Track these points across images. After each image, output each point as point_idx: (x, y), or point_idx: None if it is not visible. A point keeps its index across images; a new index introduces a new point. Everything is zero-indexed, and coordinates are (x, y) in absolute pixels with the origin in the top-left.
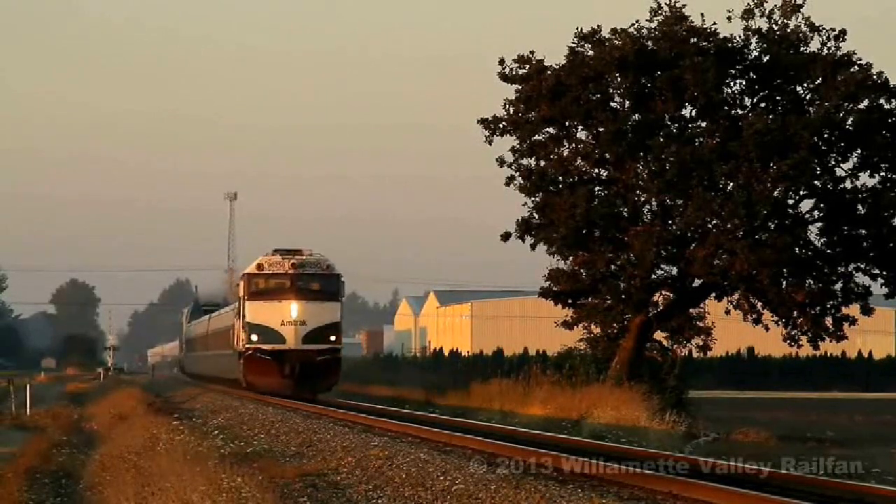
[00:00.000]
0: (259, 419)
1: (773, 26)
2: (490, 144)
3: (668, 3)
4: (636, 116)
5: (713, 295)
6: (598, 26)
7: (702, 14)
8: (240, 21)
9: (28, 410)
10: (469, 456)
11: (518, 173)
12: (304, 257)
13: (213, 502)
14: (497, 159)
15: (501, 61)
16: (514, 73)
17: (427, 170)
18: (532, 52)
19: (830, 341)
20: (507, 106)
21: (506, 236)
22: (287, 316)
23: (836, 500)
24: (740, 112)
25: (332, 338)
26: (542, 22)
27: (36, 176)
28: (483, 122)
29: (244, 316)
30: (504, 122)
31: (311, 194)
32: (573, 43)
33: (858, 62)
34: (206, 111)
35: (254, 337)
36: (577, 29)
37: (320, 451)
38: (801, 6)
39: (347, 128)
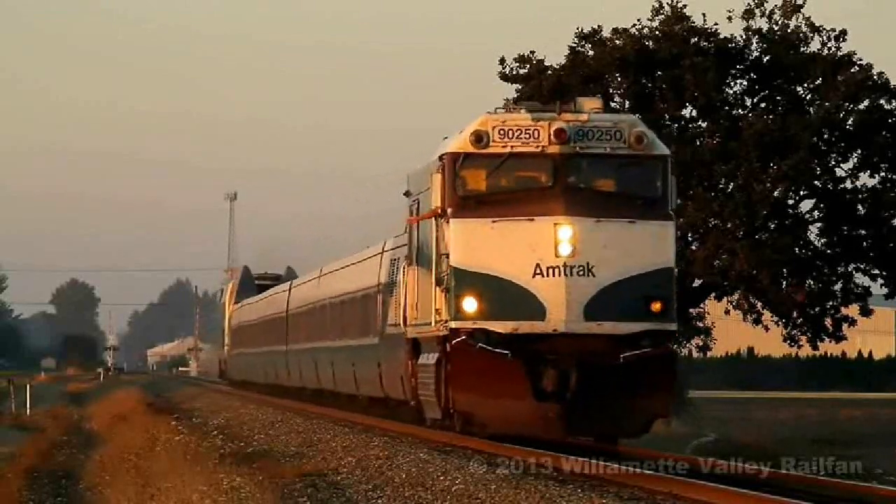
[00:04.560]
0: (259, 419)
1: (774, 26)
2: None
3: (669, 2)
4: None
5: (713, 295)
6: (599, 26)
7: (703, 14)
8: (240, 21)
9: (28, 410)
10: (469, 456)
11: None
12: (583, 117)
13: (213, 502)
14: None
15: (502, 61)
16: (514, 72)
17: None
18: (532, 52)
19: (830, 341)
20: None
21: None
22: (549, 254)
23: (836, 500)
24: (741, 112)
25: (657, 306)
26: (542, 22)
27: (36, 176)
28: None
29: (441, 255)
30: None
31: (311, 194)
32: (573, 43)
33: (859, 62)
34: (206, 111)
35: (468, 304)
36: (578, 29)
37: (320, 451)
38: (801, 6)
39: (347, 128)
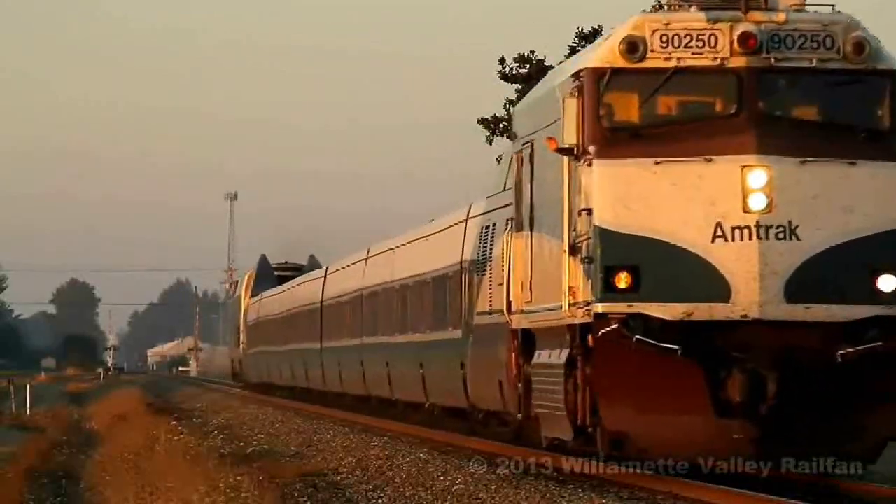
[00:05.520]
0: (259, 419)
1: None
2: (490, 144)
3: (668, 2)
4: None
5: None
6: (599, 26)
7: None
8: (241, 20)
9: (28, 410)
10: (469, 456)
11: None
12: (779, 17)
13: (213, 502)
14: (497, 159)
15: (502, 61)
16: (514, 72)
17: (427, 169)
18: (532, 52)
19: None
20: (508, 106)
21: None
22: (735, 209)
23: (835, 499)
24: None
25: (890, 282)
26: (542, 22)
27: (36, 175)
28: (483, 122)
29: (578, 213)
30: (504, 122)
31: (311, 194)
32: (574, 42)
33: None
34: (206, 111)
35: (620, 280)
36: (578, 28)
37: (320, 451)
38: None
39: (347, 127)
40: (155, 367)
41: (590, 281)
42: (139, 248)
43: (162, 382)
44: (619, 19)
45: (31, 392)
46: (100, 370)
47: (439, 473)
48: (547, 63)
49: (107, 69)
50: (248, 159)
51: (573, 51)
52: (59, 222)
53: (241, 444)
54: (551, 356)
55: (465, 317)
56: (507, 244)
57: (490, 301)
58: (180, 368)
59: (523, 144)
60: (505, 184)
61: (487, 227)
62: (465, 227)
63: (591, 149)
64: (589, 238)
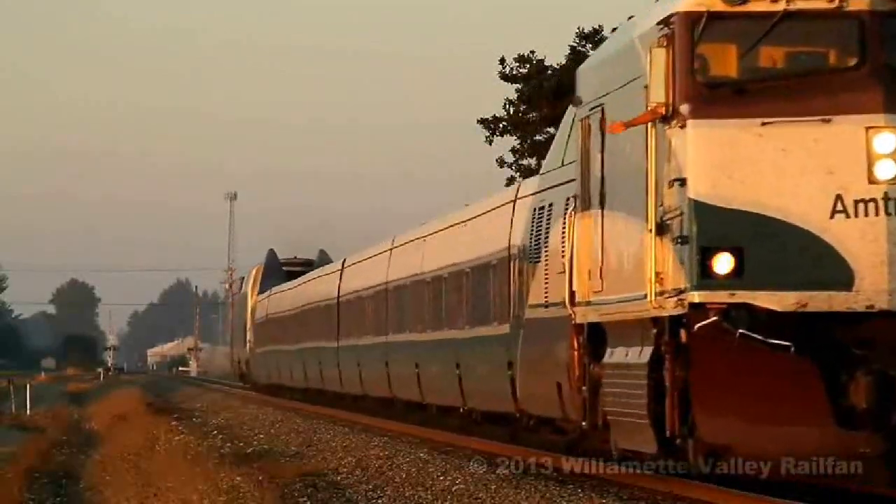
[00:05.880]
0: (259, 419)
1: None
2: (490, 144)
3: None
4: None
5: None
6: (600, 26)
7: None
8: (241, 20)
9: (28, 410)
10: (469, 456)
11: (518, 173)
12: None
13: (213, 502)
14: (497, 159)
15: (502, 61)
16: (514, 72)
17: (427, 169)
18: (532, 52)
19: None
20: (508, 106)
21: None
22: (858, 179)
23: (835, 500)
24: None
25: None
26: (543, 22)
27: (36, 175)
28: (483, 122)
29: (667, 184)
30: (504, 122)
31: (311, 194)
32: (574, 42)
33: None
34: (206, 111)
35: (722, 264)
36: (579, 28)
37: (320, 451)
38: None
39: (347, 127)
40: (155, 367)
41: (683, 265)
42: (139, 248)
43: (162, 382)
44: (620, 19)
45: (30, 392)
46: (100, 370)
47: (439, 473)
48: (547, 63)
49: (107, 69)
50: (248, 159)
51: (573, 51)
52: (59, 222)
53: (241, 444)
54: (629, 354)
55: (513, 310)
56: (570, 226)
57: (546, 292)
58: (180, 368)
59: (591, 110)
60: (563, 158)
61: (542, 207)
62: (514, 209)
63: (685, 108)
64: (681, 214)
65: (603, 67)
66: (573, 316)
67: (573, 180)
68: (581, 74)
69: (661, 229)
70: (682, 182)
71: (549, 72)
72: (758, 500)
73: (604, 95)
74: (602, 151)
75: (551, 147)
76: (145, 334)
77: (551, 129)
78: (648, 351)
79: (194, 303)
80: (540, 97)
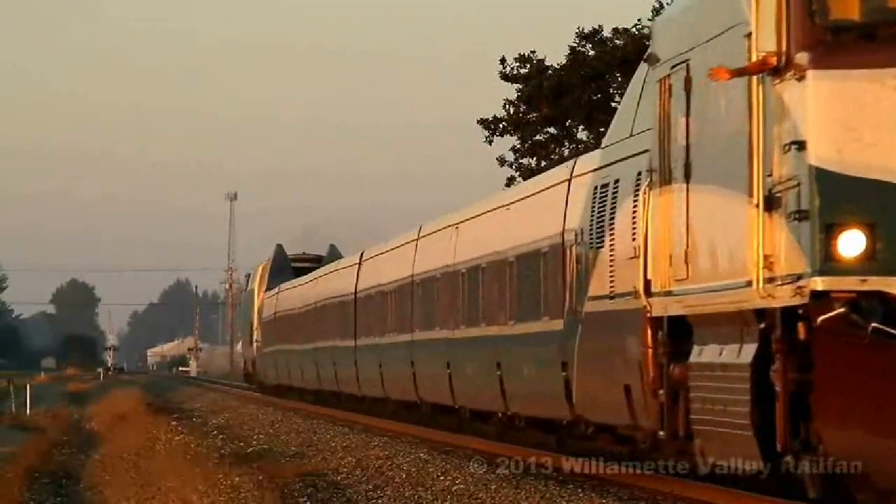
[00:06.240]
0: (259, 419)
1: None
2: (490, 144)
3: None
4: None
5: None
6: (600, 26)
7: None
8: (240, 20)
9: (28, 410)
10: (469, 456)
11: (518, 173)
12: None
13: (213, 502)
14: (497, 159)
15: (502, 61)
16: (514, 72)
17: (427, 169)
18: (533, 52)
19: None
20: (508, 106)
21: None
22: None
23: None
24: None
25: None
26: (543, 22)
27: (36, 175)
28: (483, 122)
29: (779, 149)
30: (504, 122)
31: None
32: (574, 42)
33: None
34: (206, 111)
35: (851, 243)
36: (579, 28)
37: (320, 451)
38: None
39: (347, 127)
40: (155, 367)
41: (800, 246)
42: (139, 248)
43: (162, 382)
44: (620, 19)
45: (31, 392)
46: (100, 370)
47: (439, 473)
48: (547, 63)
49: (107, 69)
50: (248, 159)
51: (573, 51)
52: (59, 222)
53: (241, 444)
54: (724, 353)
55: (569, 303)
56: (644, 204)
57: (612, 281)
58: (180, 368)
59: (672, 68)
60: (632, 128)
61: (605, 185)
62: (569, 189)
63: (803, 57)
64: (798, 184)
65: (687, 17)
66: (648, 308)
67: (646, 151)
68: (658, 28)
69: (771, 203)
70: (800, 145)
71: (550, 72)
72: (758, 500)
73: (689, 50)
74: (687, 115)
75: (615, 116)
76: (145, 334)
77: (551, 129)
78: (751, 349)
79: (194, 303)
80: (540, 97)
